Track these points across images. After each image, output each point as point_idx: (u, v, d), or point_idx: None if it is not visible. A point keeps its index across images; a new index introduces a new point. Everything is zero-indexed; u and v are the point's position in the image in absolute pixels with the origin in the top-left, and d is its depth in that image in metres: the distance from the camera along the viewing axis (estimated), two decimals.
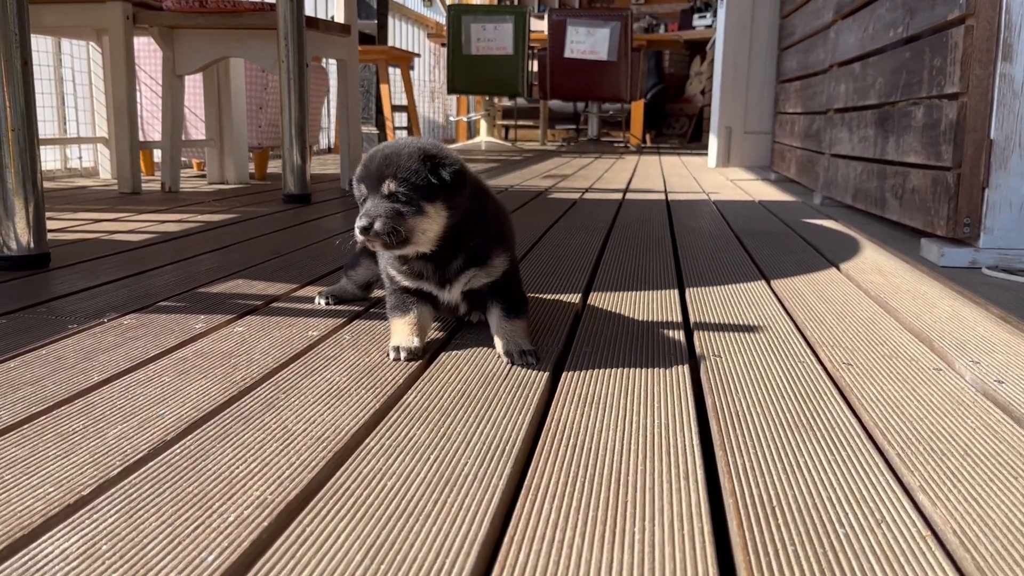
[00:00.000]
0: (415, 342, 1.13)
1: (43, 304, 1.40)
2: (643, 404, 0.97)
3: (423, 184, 1.04)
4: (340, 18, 4.09)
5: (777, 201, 3.41)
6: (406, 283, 1.17)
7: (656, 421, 0.92)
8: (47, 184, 3.36)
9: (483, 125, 8.55)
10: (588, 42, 8.07)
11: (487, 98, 8.45)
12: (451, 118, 10.76)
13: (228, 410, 0.93)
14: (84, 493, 0.72)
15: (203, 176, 4.13)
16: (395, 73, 7.58)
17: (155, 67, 3.92)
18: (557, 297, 1.54)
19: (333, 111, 6.46)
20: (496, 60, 7.67)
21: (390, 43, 7.78)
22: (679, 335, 1.29)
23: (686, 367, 1.12)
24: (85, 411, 0.92)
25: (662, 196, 3.61)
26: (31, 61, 1.64)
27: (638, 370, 1.10)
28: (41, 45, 3.83)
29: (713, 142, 5.04)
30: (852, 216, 2.85)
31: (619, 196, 3.59)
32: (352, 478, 0.76)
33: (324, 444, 0.84)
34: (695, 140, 10.90)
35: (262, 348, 1.17)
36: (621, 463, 0.81)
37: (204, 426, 0.88)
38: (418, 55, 7.59)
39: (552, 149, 8.53)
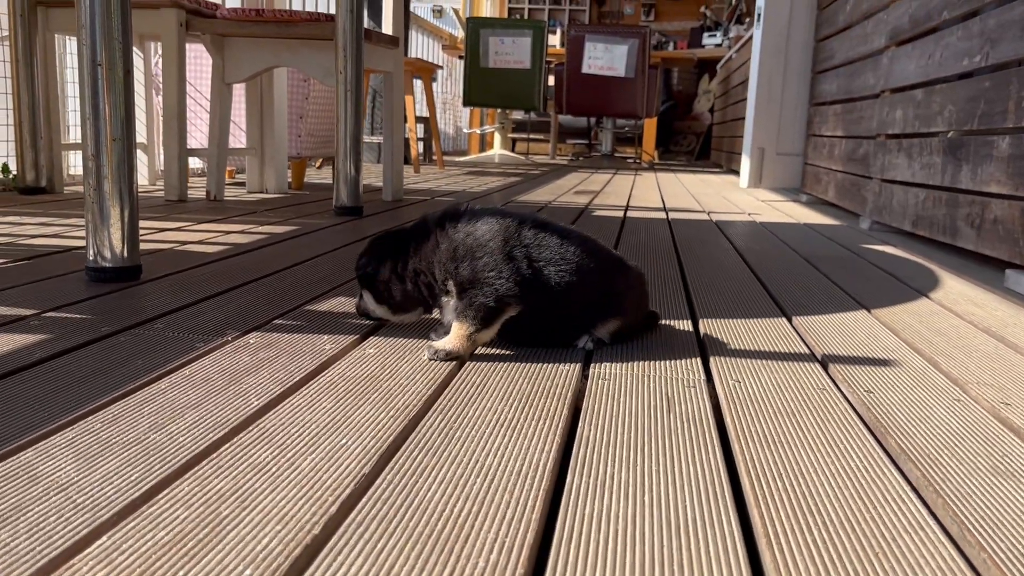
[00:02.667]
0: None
1: (157, 319, 1.37)
2: (827, 445, 0.95)
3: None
4: (387, 30, 4.08)
5: (824, 224, 3.40)
6: None
7: (852, 464, 0.90)
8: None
9: (497, 138, 8.55)
10: (606, 58, 8.09)
11: (501, 111, 8.45)
12: (464, 130, 10.76)
13: (409, 440, 0.90)
14: (315, 532, 0.69)
15: (239, 184, 4.10)
16: (416, 84, 7.57)
17: (194, 74, 3.90)
18: (668, 323, 1.52)
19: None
20: (513, 74, 7.69)
21: (409, 55, 7.77)
22: (816, 368, 1.27)
23: (845, 403, 1.10)
24: (264, 439, 0.89)
25: (704, 216, 3.60)
26: (133, 70, 1.61)
27: (801, 406, 1.08)
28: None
29: (745, 163, 5.04)
30: (910, 243, 2.84)
31: (662, 215, 3.58)
32: (579, 520, 0.74)
33: (527, 481, 0.81)
34: (702, 158, 10.92)
35: (405, 373, 1.15)
36: (843, 509, 0.78)
37: (395, 457, 0.85)
38: (440, 67, 7.59)
39: (565, 163, 8.54)
